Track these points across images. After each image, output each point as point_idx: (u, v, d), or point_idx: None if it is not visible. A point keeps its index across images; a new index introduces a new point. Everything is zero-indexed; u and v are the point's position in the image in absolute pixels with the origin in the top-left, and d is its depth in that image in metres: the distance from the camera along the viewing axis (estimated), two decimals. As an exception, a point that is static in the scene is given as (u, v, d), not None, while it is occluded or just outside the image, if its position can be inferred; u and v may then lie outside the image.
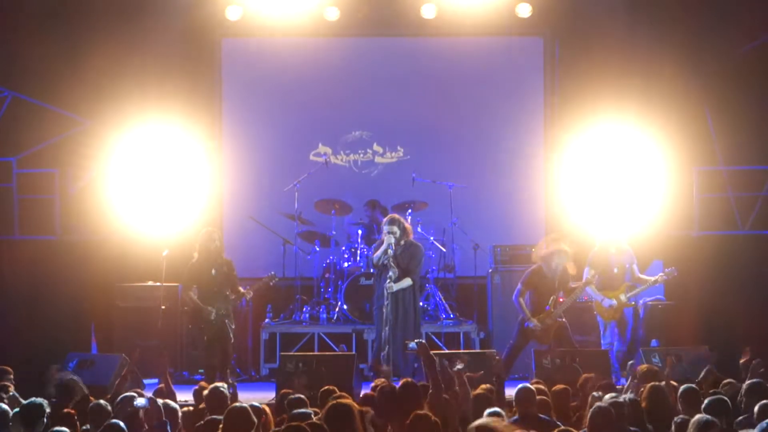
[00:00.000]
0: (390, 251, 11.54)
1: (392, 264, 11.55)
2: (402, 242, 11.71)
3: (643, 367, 9.31)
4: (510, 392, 10.37)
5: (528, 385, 8.02)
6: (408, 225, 12.01)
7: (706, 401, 7.44)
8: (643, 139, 14.05)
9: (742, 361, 10.05)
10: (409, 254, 11.75)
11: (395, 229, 11.69)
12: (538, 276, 11.64)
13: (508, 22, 14.30)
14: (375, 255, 11.75)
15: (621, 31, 13.48)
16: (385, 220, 11.95)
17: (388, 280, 11.52)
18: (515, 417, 7.51)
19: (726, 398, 7.59)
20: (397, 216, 12.01)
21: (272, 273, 11.81)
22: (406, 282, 11.67)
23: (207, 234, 11.58)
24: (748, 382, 8.29)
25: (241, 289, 11.55)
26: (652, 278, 12.08)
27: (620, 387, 9.86)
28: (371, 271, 12.53)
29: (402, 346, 11.31)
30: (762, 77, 13.85)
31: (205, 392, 8.34)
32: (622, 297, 11.94)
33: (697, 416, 6.77)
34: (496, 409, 7.18)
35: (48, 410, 7.26)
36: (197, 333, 11.70)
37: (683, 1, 13.78)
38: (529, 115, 14.48)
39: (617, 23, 13.48)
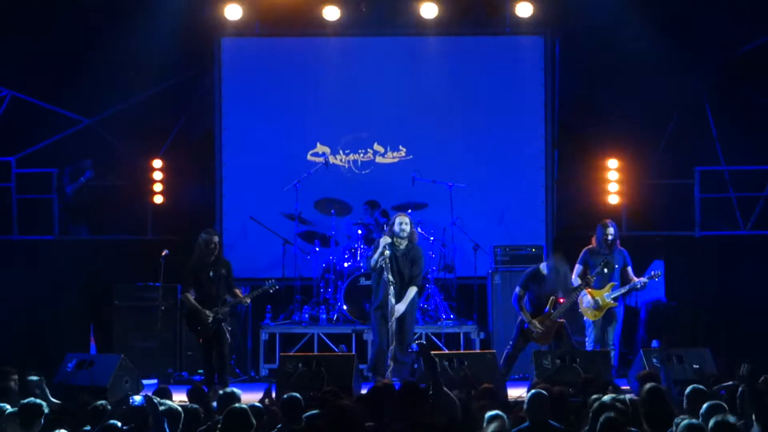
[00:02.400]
0: (388, 252, 11.46)
1: (391, 279, 11.43)
2: (406, 245, 11.61)
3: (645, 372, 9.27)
4: (511, 393, 10.51)
5: (541, 390, 7.85)
6: (414, 230, 11.90)
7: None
8: (643, 138, 14.04)
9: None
10: (411, 258, 11.63)
11: (407, 226, 11.63)
12: (537, 278, 11.60)
13: (508, 21, 14.30)
14: (372, 258, 11.64)
15: (621, 30, 13.45)
16: (399, 218, 11.79)
17: (391, 298, 11.41)
18: (526, 424, 7.38)
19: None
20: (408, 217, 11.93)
21: (273, 280, 11.68)
22: (411, 293, 11.58)
23: (206, 235, 11.52)
24: None
25: (239, 292, 11.50)
26: (635, 280, 11.84)
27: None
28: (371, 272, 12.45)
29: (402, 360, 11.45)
30: (764, 76, 13.82)
31: (219, 394, 8.35)
32: (606, 296, 11.79)
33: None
34: (498, 411, 7.10)
35: (46, 411, 7.23)
36: (194, 335, 11.64)
37: (684, -1, 13.80)
38: (529, 115, 14.43)
39: (617, 22, 13.45)
